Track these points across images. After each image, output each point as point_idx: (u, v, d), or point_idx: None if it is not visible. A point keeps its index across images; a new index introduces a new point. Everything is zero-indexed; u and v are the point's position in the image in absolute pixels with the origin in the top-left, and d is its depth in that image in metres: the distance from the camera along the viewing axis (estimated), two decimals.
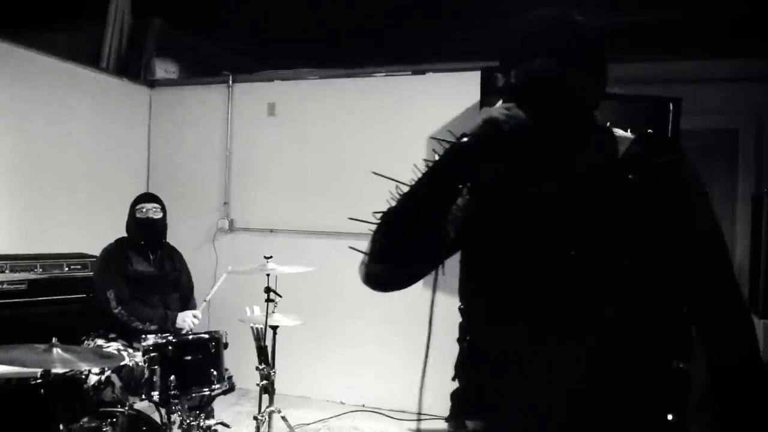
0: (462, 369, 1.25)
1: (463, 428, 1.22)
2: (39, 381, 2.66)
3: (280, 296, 3.04)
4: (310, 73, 5.00)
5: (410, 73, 4.70)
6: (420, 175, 1.17)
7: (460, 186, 1.15)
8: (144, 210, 3.41)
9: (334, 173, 4.86)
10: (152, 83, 5.37)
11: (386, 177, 1.24)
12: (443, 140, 1.18)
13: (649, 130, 1.20)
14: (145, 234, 3.42)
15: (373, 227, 1.20)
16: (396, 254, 1.19)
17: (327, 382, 4.84)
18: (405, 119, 4.68)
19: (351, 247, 1.32)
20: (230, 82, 5.13)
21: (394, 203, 1.19)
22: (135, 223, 3.42)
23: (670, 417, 1.13)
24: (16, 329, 3.22)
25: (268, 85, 5.09)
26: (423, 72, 4.65)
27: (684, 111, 3.24)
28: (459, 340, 1.27)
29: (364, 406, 4.71)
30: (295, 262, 3.43)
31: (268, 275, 3.02)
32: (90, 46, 5.17)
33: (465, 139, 1.11)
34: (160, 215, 3.46)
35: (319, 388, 4.86)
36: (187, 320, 3.33)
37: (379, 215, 1.20)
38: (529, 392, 1.12)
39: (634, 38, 4.12)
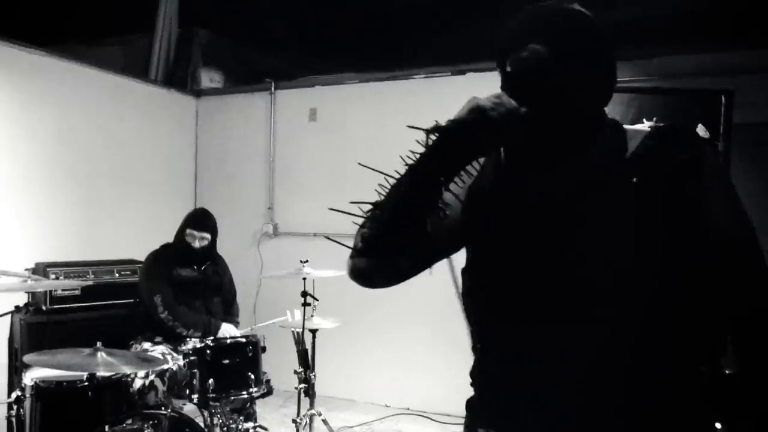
0: (475, 376, 1.22)
1: None
2: (86, 384, 2.77)
3: (317, 300, 3.06)
4: (350, 77, 5.03)
5: (450, 73, 4.66)
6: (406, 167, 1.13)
7: (444, 177, 1.10)
8: (192, 237, 3.46)
9: (375, 176, 4.86)
10: (198, 93, 5.52)
11: (372, 169, 1.19)
12: (423, 129, 1.12)
13: (668, 123, 1.13)
14: (188, 256, 3.49)
15: (360, 220, 1.17)
16: (379, 248, 1.16)
17: (371, 384, 4.85)
18: (445, 120, 4.64)
19: (328, 237, 1.32)
20: (272, 88, 5.22)
21: (382, 196, 1.17)
22: (181, 243, 3.48)
23: (718, 426, 1.08)
24: (71, 334, 3.34)
25: (310, 90, 5.15)
26: (463, 72, 4.60)
27: (736, 104, 3.08)
28: (473, 348, 1.24)
29: (408, 409, 4.69)
30: (338, 266, 3.43)
31: (304, 279, 3.04)
32: (139, 58, 5.36)
33: (448, 127, 1.07)
34: (206, 244, 3.49)
35: (363, 390, 4.87)
36: (228, 332, 3.38)
37: (367, 208, 1.18)
38: (540, 399, 1.08)
39: (683, 29, 3.95)
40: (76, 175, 4.43)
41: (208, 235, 3.49)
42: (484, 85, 4.77)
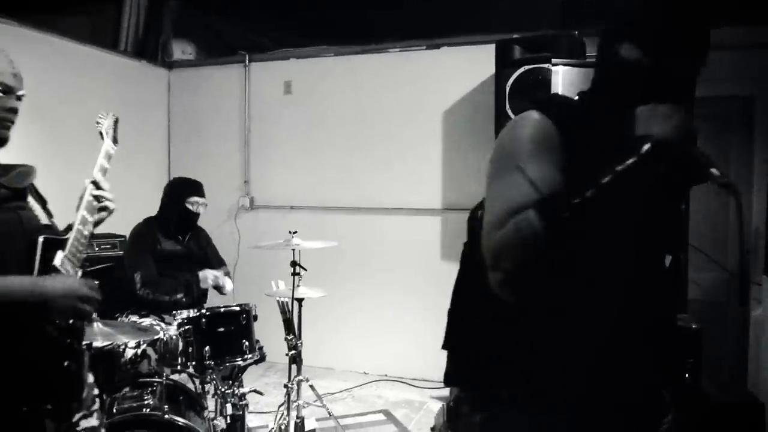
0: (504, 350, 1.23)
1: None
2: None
3: (306, 270, 3.14)
4: (325, 50, 5.05)
5: (425, 47, 4.73)
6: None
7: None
8: (196, 204, 3.50)
9: (351, 150, 4.94)
10: (170, 65, 5.44)
11: None
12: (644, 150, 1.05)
13: None
14: (186, 225, 3.53)
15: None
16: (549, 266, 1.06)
17: (350, 352, 4.99)
18: (420, 94, 4.73)
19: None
20: (246, 61, 5.20)
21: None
22: (180, 212, 3.48)
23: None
24: None
25: (284, 63, 5.15)
26: (437, 46, 4.68)
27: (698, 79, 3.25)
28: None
29: (386, 375, 4.85)
30: (315, 238, 3.52)
31: (293, 250, 3.11)
32: (107, 29, 5.24)
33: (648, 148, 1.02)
34: (204, 209, 3.57)
35: (342, 358, 5.00)
36: (209, 276, 3.44)
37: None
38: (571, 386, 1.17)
39: None
40: (46, 149, 4.35)
41: (206, 200, 3.57)
42: (458, 60, 4.94)
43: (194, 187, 3.57)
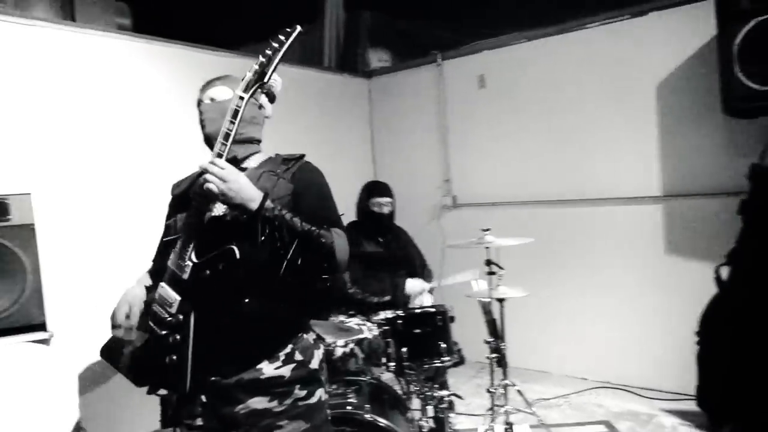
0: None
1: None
2: None
3: (502, 268, 2.97)
4: (517, 37, 4.80)
5: (629, 16, 4.23)
6: None
7: None
8: (378, 205, 3.59)
9: (553, 139, 4.62)
10: (369, 74, 5.66)
11: None
12: None
13: None
14: (376, 225, 3.62)
15: None
16: None
17: (566, 356, 4.66)
18: (627, 69, 4.24)
19: None
20: (439, 60, 5.18)
21: None
22: (367, 214, 3.61)
23: None
24: None
25: (476, 57, 5.01)
26: (643, 12, 4.15)
27: None
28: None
29: (608, 383, 4.43)
30: (520, 234, 3.33)
31: (487, 248, 2.97)
32: (312, 49, 5.63)
33: None
34: (390, 209, 3.64)
35: (557, 362, 4.70)
36: (416, 288, 3.44)
37: None
38: None
39: None
40: None
41: (390, 200, 3.62)
42: (670, 24, 4.31)
43: (376, 189, 3.64)
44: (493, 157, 4.96)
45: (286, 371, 1.69)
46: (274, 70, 1.66)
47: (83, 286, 3.41)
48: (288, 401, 1.68)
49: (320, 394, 1.75)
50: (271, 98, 1.88)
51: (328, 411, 1.84)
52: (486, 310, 3.20)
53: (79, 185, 3.59)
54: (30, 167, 3.30)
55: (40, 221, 2.89)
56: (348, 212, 4.01)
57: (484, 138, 5.00)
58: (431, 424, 2.82)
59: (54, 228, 3.23)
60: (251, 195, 1.59)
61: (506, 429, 3.19)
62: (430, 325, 2.77)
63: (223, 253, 1.58)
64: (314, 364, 1.76)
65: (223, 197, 1.58)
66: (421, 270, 3.83)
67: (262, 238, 1.58)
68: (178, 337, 1.60)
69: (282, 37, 1.66)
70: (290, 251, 1.62)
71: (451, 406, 2.87)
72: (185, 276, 1.62)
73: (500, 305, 3.11)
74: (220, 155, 1.62)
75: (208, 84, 1.87)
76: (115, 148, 3.77)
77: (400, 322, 2.76)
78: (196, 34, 4.30)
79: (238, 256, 1.57)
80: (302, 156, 1.87)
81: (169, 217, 1.85)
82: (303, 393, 1.70)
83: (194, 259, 1.62)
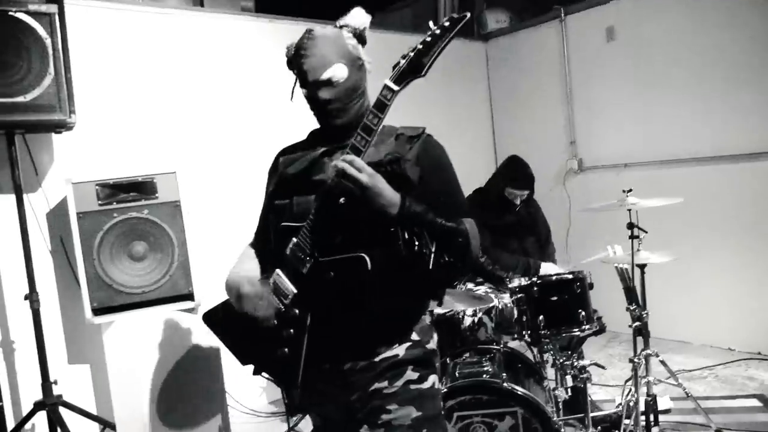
0: None
1: None
2: None
3: (646, 232, 2.78)
4: None
5: None
6: None
7: None
8: (513, 195, 3.44)
9: (688, 94, 4.23)
10: (486, 36, 5.48)
11: None
12: None
13: None
14: (503, 208, 3.49)
15: None
16: None
17: (710, 325, 4.33)
18: None
19: None
20: (562, 15, 4.89)
21: None
22: (499, 197, 3.46)
23: None
24: None
25: (604, 8, 4.67)
26: None
27: None
28: None
29: (760, 353, 4.07)
30: (654, 195, 3.10)
31: (629, 210, 2.78)
32: (426, 16, 5.53)
33: None
34: (525, 198, 3.48)
35: (699, 332, 4.38)
36: (551, 270, 3.32)
37: None
38: None
39: None
40: None
41: (527, 192, 3.47)
42: None
43: (516, 180, 3.45)
44: (623, 116, 4.64)
45: (401, 350, 1.55)
46: (432, 63, 1.43)
47: (226, 259, 3.63)
48: (399, 383, 1.53)
49: (434, 380, 1.59)
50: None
51: (442, 403, 1.71)
52: (624, 276, 3.02)
53: (219, 163, 3.81)
54: (174, 148, 3.53)
55: (185, 198, 3.08)
56: (468, 181, 3.93)
57: (613, 95, 4.68)
58: (568, 393, 2.73)
59: (198, 204, 3.44)
60: (391, 199, 1.41)
61: (647, 401, 3.02)
62: (567, 292, 2.65)
63: (353, 260, 1.43)
64: (431, 344, 1.62)
65: (360, 203, 1.40)
66: (545, 241, 3.69)
67: (400, 242, 1.46)
68: (291, 331, 1.51)
69: (447, 24, 1.42)
70: (428, 252, 1.48)
71: (589, 377, 2.76)
72: (304, 271, 1.48)
73: (641, 271, 2.92)
74: (358, 152, 1.41)
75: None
76: (247, 127, 3.95)
77: (536, 289, 2.67)
78: (316, 10, 4.36)
79: (369, 267, 1.41)
80: (424, 131, 1.63)
81: (280, 194, 1.62)
82: (415, 376, 1.55)
83: (317, 256, 1.47)
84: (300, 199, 1.55)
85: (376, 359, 1.53)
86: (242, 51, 3.95)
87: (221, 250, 3.68)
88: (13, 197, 2.82)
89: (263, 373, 1.64)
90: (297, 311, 1.50)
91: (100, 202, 2.92)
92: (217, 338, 1.73)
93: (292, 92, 1.65)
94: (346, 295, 1.47)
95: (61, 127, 2.72)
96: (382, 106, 1.42)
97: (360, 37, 1.61)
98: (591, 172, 4.91)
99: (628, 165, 4.60)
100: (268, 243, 1.64)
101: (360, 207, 1.41)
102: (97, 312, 2.92)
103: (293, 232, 1.50)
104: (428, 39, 1.41)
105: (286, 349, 1.51)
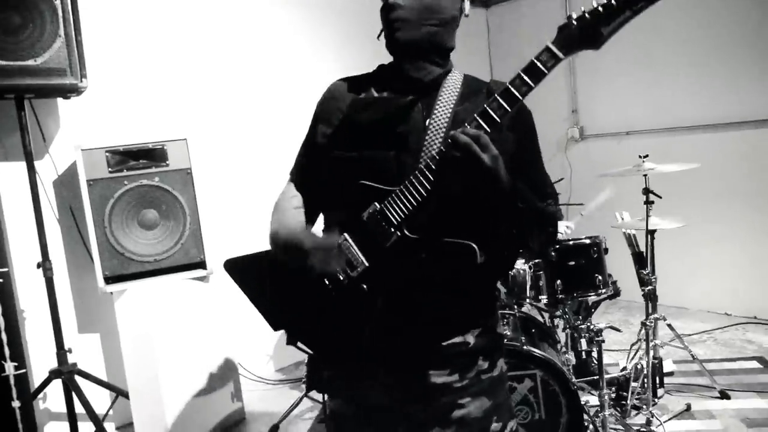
0: None
1: None
2: None
3: (660, 197, 2.81)
4: None
5: None
6: None
7: None
8: None
9: (695, 59, 4.24)
10: (486, 3, 5.42)
11: None
12: None
13: None
14: None
15: None
16: None
17: (707, 290, 4.42)
18: None
19: None
20: None
21: None
22: None
23: None
24: None
25: None
26: None
27: None
28: None
29: (755, 317, 4.18)
30: (679, 159, 3.12)
31: (645, 176, 2.81)
32: None
33: None
34: None
35: (695, 297, 4.48)
36: (560, 228, 3.35)
37: None
38: None
39: None
40: None
41: None
42: None
43: None
44: (627, 83, 4.65)
45: (470, 338, 1.36)
46: (611, 35, 1.14)
47: (238, 227, 3.61)
48: (470, 374, 1.36)
49: (501, 364, 1.44)
50: None
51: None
52: (631, 242, 3.07)
53: (230, 130, 3.76)
54: (185, 114, 3.47)
55: (197, 166, 3.05)
56: None
57: (616, 62, 4.68)
58: (581, 357, 2.79)
59: (209, 171, 3.40)
60: (505, 185, 1.18)
61: (653, 364, 3.09)
62: (584, 257, 2.69)
63: (458, 246, 1.21)
64: (499, 328, 1.45)
65: (473, 183, 1.17)
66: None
67: (500, 229, 1.28)
68: (354, 308, 1.29)
69: None
70: (527, 236, 1.32)
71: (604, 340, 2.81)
72: (387, 244, 1.25)
73: (652, 238, 2.96)
74: (490, 123, 1.16)
75: None
76: (259, 93, 3.89)
77: (553, 254, 2.70)
78: None
79: (479, 260, 1.20)
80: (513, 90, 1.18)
81: (343, 142, 1.36)
82: (486, 365, 1.38)
83: (407, 232, 1.24)
84: (373, 154, 1.30)
85: (443, 344, 1.35)
86: (255, 16, 3.88)
87: (233, 217, 3.66)
88: (23, 164, 2.77)
89: (299, 344, 1.43)
90: (365, 287, 1.28)
91: (110, 169, 2.88)
92: (245, 293, 1.49)
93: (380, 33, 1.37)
94: (433, 282, 1.26)
95: (72, 91, 2.66)
96: (538, 73, 1.15)
97: None
98: (592, 140, 4.93)
99: (630, 133, 4.63)
100: (308, 191, 1.45)
101: (470, 187, 1.18)
102: (109, 280, 2.90)
103: (377, 195, 1.25)
104: (614, 2, 1.11)
105: (342, 327, 1.33)
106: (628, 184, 3.17)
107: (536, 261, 2.75)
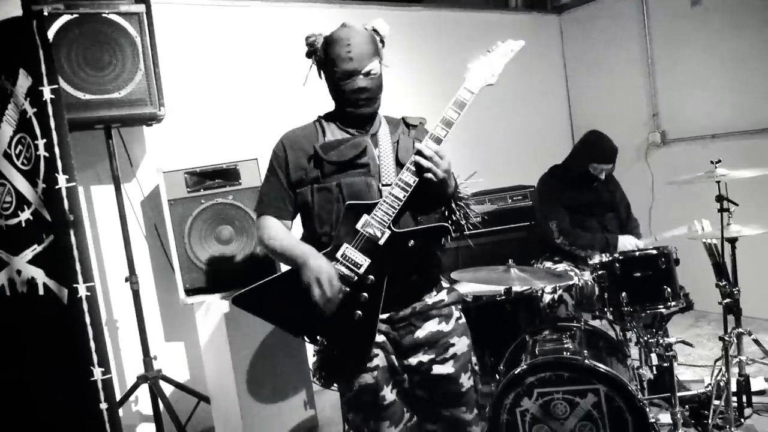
0: None
1: None
2: (503, 297, 3.01)
3: (737, 204, 2.65)
4: None
5: None
6: None
7: None
8: (599, 170, 3.39)
9: None
10: (559, 9, 5.32)
11: None
12: None
13: None
14: (586, 183, 3.44)
15: None
16: None
17: None
18: None
19: None
20: None
21: None
22: (582, 173, 3.42)
23: None
24: (477, 256, 3.63)
25: None
26: None
27: None
28: None
29: None
30: (745, 166, 2.94)
31: (718, 182, 2.66)
32: None
33: None
34: (608, 172, 3.44)
35: None
36: (628, 246, 3.23)
37: None
38: None
39: None
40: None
41: (611, 165, 3.41)
42: None
43: (602, 154, 3.39)
44: (710, 84, 4.40)
45: (443, 295, 1.94)
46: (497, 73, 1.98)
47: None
48: (452, 321, 1.92)
49: (461, 313, 1.99)
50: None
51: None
52: (712, 252, 2.90)
53: None
54: (255, 135, 3.66)
55: None
56: (544, 157, 3.87)
57: (699, 63, 4.44)
58: (653, 373, 2.67)
59: None
60: (452, 183, 1.83)
61: (739, 381, 2.90)
62: (652, 268, 2.58)
63: (437, 229, 1.80)
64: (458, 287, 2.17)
65: (436, 184, 1.74)
66: (626, 217, 3.59)
67: (454, 215, 1.87)
68: (366, 295, 1.75)
69: (507, 44, 2.09)
70: (463, 223, 1.90)
71: (675, 355, 2.67)
72: (381, 242, 1.74)
73: (732, 246, 2.79)
74: (438, 141, 1.74)
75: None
76: (319, 112, 4.03)
77: (618, 266, 2.61)
78: None
79: (452, 235, 1.82)
80: (424, 121, 2.01)
81: (322, 178, 1.83)
82: (458, 313, 1.96)
83: (393, 228, 1.74)
84: (350, 181, 1.79)
85: (429, 302, 1.89)
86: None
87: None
88: (111, 187, 3.03)
89: (319, 338, 1.80)
90: (372, 278, 1.74)
91: (188, 189, 3.08)
92: (261, 317, 1.88)
93: (306, 78, 1.99)
94: (419, 258, 1.80)
95: (152, 119, 2.89)
96: (462, 104, 1.81)
97: (383, 42, 1.88)
98: (675, 144, 4.70)
99: (716, 136, 4.37)
100: (292, 216, 1.93)
101: (432, 187, 1.75)
102: (189, 293, 3.09)
103: (365, 209, 1.74)
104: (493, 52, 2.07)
105: (361, 313, 1.75)
106: (707, 191, 3.00)
107: (601, 273, 2.67)
